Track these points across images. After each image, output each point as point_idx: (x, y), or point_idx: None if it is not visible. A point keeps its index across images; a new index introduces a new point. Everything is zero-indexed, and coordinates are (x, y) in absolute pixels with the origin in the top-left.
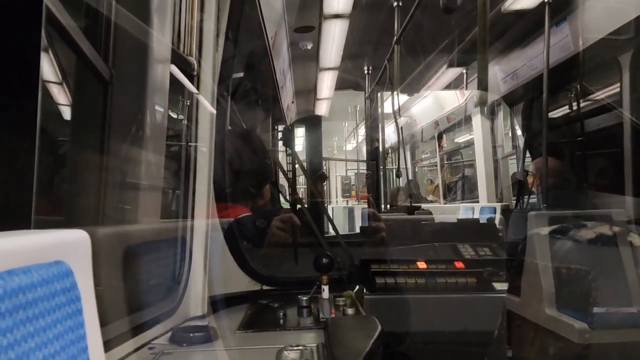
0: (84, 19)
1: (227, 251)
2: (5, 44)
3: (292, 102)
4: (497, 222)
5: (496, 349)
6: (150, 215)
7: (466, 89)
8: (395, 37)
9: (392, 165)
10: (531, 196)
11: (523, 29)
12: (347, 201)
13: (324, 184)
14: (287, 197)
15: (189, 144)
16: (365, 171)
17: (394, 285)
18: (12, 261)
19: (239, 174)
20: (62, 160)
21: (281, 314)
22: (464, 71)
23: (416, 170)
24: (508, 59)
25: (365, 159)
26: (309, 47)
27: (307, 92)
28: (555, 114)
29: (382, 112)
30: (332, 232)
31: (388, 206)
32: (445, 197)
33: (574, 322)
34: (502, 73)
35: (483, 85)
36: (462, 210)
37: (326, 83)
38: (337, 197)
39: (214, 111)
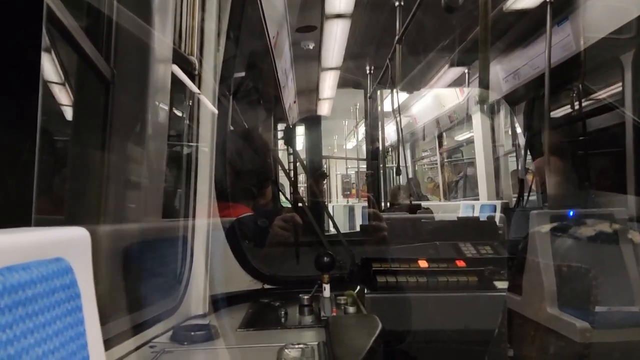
0: (86, 18)
1: (228, 250)
2: (5, 43)
3: (294, 102)
4: (497, 220)
5: (497, 347)
6: (152, 214)
7: (468, 87)
8: (397, 37)
9: (393, 164)
10: (531, 194)
11: (524, 29)
12: (348, 200)
13: (324, 182)
14: (288, 196)
15: (191, 143)
16: (365, 170)
17: (395, 284)
18: (12, 258)
19: (241, 173)
20: (63, 159)
21: (282, 312)
22: (466, 71)
23: (416, 168)
24: (509, 58)
25: (365, 157)
26: (311, 47)
27: (309, 91)
28: (557, 113)
29: (382, 111)
30: (332, 230)
31: (388, 205)
32: (445, 196)
33: (575, 321)
34: (503, 72)
35: (484, 85)
36: (462, 208)
37: (328, 83)
38: (337, 196)
39: (216, 110)
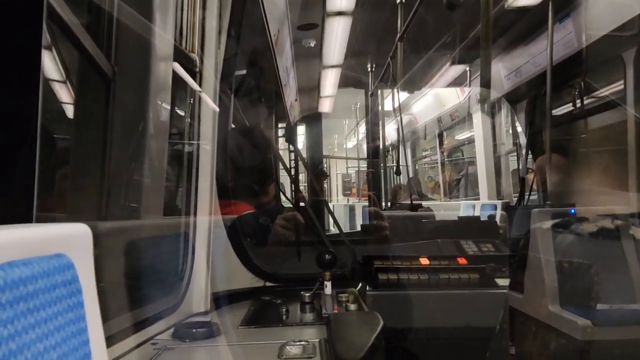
0: (86, 15)
1: (230, 248)
2: (6, 40)
3: (296, 100)
4: (497, 219)
5: (498, 345)
6: (153, 212)
7: (469, 86)
8: (398, 34)
9: (393, 163)
10: (532, 193)
11: (526, 26)
12: (348, 199)
13: (324, 181)
14: (288, 195)
15: (192, 141)
16: (365, 169)
17: (397, 282)
18: (13, 253)
19: (243, 171)
20: (64, 157)
21: (284, 310)
22: (467, 69)
23: (417, 167)
24: (511, 56)
25: (365, 156)
26: (312, 44)
27: (311, 89)
28: (559, 111)
29: (383, 110)
30: (332, 229)
31: (389, 204)
32: (445, 195)
33: (576, 319)
34: (505, 70)
35: (486, 82)
36: (462, 208)
37: (329, 81)
38: (337, 195)
39: (217, 108)
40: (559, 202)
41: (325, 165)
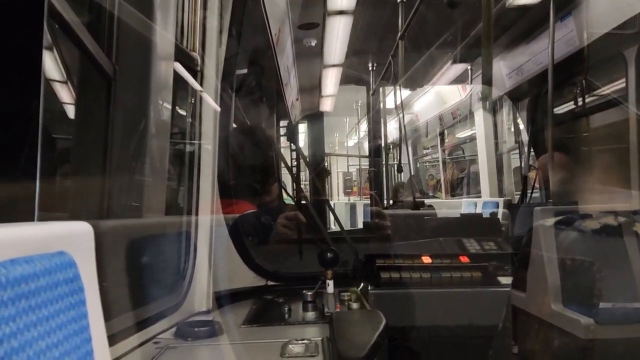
0: (87, 14)
1: (232, 247)
2: (7, 39)
3: (297, 99)
4: (499, 216)
5: (501, 343)
6: (155, 211)
7: (471, 84)
8: (399, 33)
9: (394, 161)
10: (534, 191)
11: (527, 24)
12: (349, 197)
13: (326, 179)
14: (290, 193)
15: (193, 140)
16: (367, 167)
17: (399, 280)
18: (15, 251)
19: (244, 170)
20: (65, 156)
21: (286, 308)
22: (469, 67)
23: (418, 165)
24: (513, 54)
25: (367, 154)
26: (313, 44)
27: (312, 88)
28: (561, 109)
29: (384, 108)
30: (333, 227)
31: (391, 202)
32: (447, 193)
33: (579, 317)
34: (506, 69)
35: (487, 80)
36: (464, 205)
37: (330, 80)
38: (338, 194)
39: (218, 107)
40: (561, 200)
41: (326, 164)
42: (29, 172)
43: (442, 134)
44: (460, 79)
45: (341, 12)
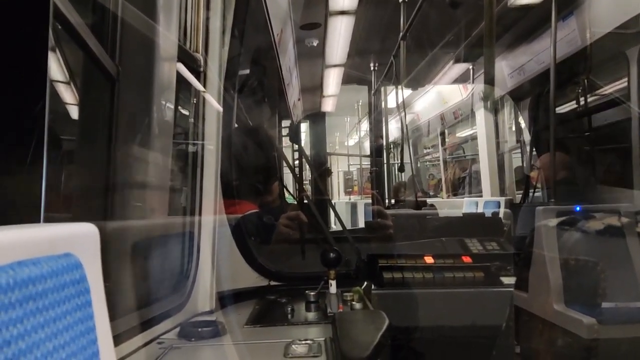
0: (91, 15)
1: (234, 247)
2: (13, 40)
3: (299, 99)
4: (501, 216)
5: (504, 343)
6: (158, 211)
7: (472, 83)
8: (401, 33)
9: (394, 161)
10: (536, 191)
11: (529, 24)
12: (350, 197)
13: (328, 178)
14: (292, 193)
15: (196, 140)
16: (368, 166)
17: (402, 280)
18: (22, 253)
19: (247, 170)
20: (68, 157)
21: (289, 309)
22: (471, 67)
23: (418, 165)
24: (515, 54)
25: (367, 154)
26: (315, 44)
27: (314, 89)
28: (563, 108)
29: (386, 107)
30: (334, 226)
31: (393, 201)
32: (448, 192)
33: (582, 317)
34: (508, 68)
35: (489, 79)
36: (465, 205)
37: (332, 80)
38: (339, 193)
39: (221, 108)
40: (563, 199)
41: (328, 163)
42: (35, 174)
43: (442, 134)
44: (461, 79)
45: (343, 12)
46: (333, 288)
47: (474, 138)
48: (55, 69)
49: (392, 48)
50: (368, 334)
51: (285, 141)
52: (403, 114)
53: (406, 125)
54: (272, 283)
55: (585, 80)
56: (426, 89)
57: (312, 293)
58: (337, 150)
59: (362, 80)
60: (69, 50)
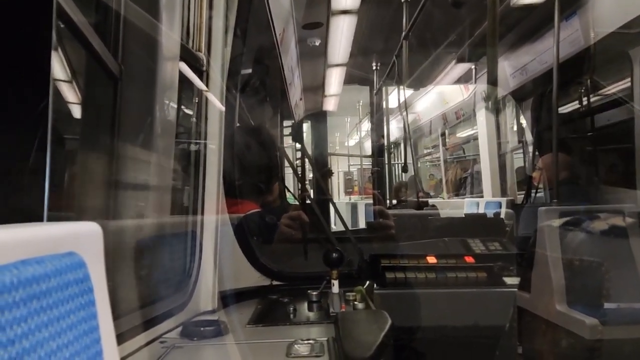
0: (94, 14)
1: (237, 247)
2: (16, 39)
3: (301, 99)
4: (502, 216)
5: (507, 343)
6: (160, 210)
7: (475, 83)
8: (403, 33)
9: (395, 161)
10: (538, 191)
11: (532, 24)
12: (350, 197)
13: (329, 178)
14: (293, 193)
15: (199, 140)
16: (368, 166)
17: (404, 280)
18: (26, 252)
19: (249, 170)
20: (71, 156)
21: (291, 308)
22: (473, 67)
23: (419, 165)
24: (517, 54)
25: (368, 154)
26: (317, 43)
27: (316, 88)
28: (566, 108)
29: (387, 107)
30: (334, 227)
31: (394, 201)
32: (449, 192)
33: (584, 318)
34: (511, 68)
35: (492, 79)
36: (466, 205)
37: (334, 79)
38: (339, 193)
39: (223, 107)
40: (565, 200)
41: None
42: (38, 172)
43: (443, 134)
44: (463, 79)
45: (345, 12)
46: (335, 288)
47: (475, 138)
48: (59, 68)
49: (395, 48)
50: (371, 334)
51: (287, 141)
52: (405, 113)
53: (408, 125)
54: (275, 283)
55: (588, 81)
56: (427, 89)
57: (314, 293)
58: (337, 151)
59: (364, 80)
60: (72, 49)
